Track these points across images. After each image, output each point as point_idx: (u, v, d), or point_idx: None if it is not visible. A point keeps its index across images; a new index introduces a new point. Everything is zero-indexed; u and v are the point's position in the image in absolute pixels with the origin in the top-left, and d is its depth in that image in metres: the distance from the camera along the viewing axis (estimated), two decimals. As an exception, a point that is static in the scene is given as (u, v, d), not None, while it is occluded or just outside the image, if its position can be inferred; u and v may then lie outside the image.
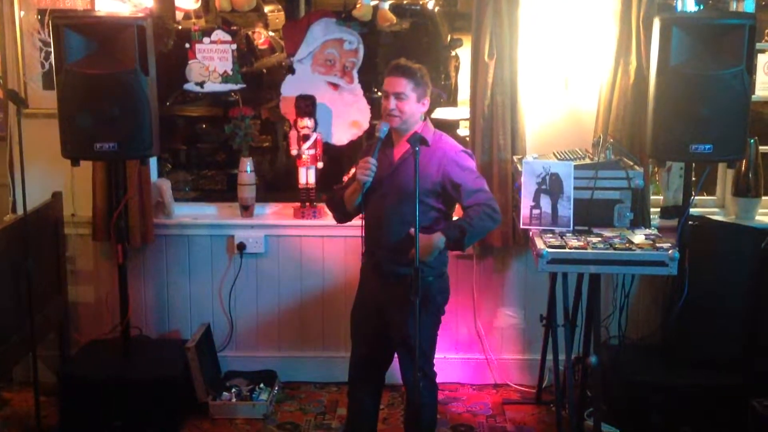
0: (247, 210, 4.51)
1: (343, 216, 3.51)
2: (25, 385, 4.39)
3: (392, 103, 3.28)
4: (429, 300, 3.29)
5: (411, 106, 3.29)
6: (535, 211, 3.67)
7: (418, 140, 3.14)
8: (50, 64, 4.20)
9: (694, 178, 3.92)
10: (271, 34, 5.31)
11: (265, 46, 5.42)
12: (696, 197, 3.98)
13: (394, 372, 3.57)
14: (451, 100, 5.61)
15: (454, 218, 3.41)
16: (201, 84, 4.48)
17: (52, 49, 3.73)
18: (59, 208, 4.36)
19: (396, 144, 3.39)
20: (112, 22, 3.77)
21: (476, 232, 3.28)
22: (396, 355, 3.49)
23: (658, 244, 3.46)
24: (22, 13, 4.27)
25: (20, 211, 3.86)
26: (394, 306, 3.31)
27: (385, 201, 3.33)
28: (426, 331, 3.32)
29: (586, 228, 3.66)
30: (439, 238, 3.23)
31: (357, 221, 3.48)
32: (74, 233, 4.45)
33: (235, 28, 5.07)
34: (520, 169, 3.76)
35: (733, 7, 4.26)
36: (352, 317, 3.54)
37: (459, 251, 3.65)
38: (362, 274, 3.52)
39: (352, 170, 3.42)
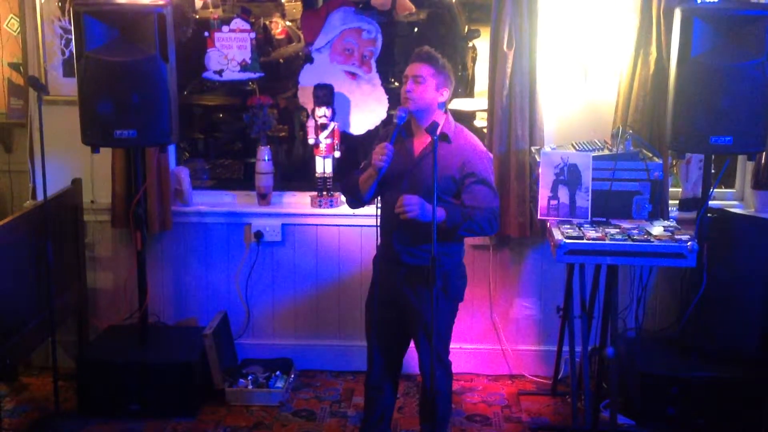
0: (264, 198, 4.53)
1: (356, 201, 3.47)
2: (44, 369, 4.45)
3: (409, 85, 3.26)
4: (449, 287, 3.30)
5: (429, 91, 3.26)
6: (553, 202, 3.66)
7: (436, 128, 3.13)
8: (71, 51, 4.23)
9: (713, 171, 3.90)
10: (288, 23, 5.30)
11: (282, 36, 5.41)
12: (715, 190, 3.95)
13: (409, 361, 3.58)
14: (468, 91, 5.59)
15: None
16: (220, 72, 4.49)
17: (73, 36, 3.75)
18: (79, 194, 4.39)
19: (416, 136, 3.37)
20: (132, 10, 3.79)
21: (471, 229, 3.25)
22: (412, 344, 3.49)
23: (676, 236, 3.44)
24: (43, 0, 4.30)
25: (40, 198, 3.89)
26: (412, 294, 3.31)
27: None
28: (444, 319, 3.32)
29: (604, 219, 3.65)
30: (439, 212, 3.16)
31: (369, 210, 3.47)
32: (93, 220, 4.48)
33: (252, 19, 5.07)
34: (538, 159, 3.75)
35: (755, -2, 4.23)
36: (368, 308, 3.53)
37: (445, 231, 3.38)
38: (376, 265, 3.50)
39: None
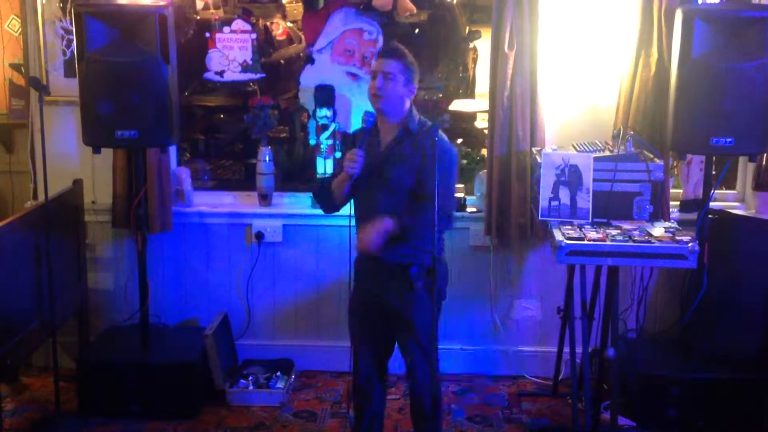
0: (265, 199, 4.53)
1: (331, 207, 3.43)
2: (45, 370, 4.45)
3: (379, 81, 3.21)
4: (433, 286, 3.25)
5: (398, 87, 3.20)
6: (554, 203, 3.66)
7: (438, 128, 3.12)
8: (72, 51, 4.23)
9: (714, 172, 3.90)
10: (289, 24, 5.31)
11: (283, 37, 5.42)
12: (716, 191, 3.95)
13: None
14: (469, 93, 5.60)
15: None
16: (221, 73, 4.50)
17: (74, 37, 3.76)
18: (80, 195, 4.39)
19: (382, 132, 3.31)
20: (133, 10, 3.80)
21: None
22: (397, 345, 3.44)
23: (677, 237, 3.44)
24: (45, 0, 4.30)
25: (41, 198, 3.90)
26: (395, 296, 3.26)
27: (376, 194, 3.25)
28: (430, 319, 3.26)
29: (605, 220, 3.65)
30: (390, 223, 3.13)
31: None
32: (94, 220, 4.48)
33: (253, 20, 5.08)
34: (539, 160, 3.75)
35: (756, -1, 4.23)
36: (351, 311, 3.48)
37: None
38: (358, 266, 3.44)
39: None
